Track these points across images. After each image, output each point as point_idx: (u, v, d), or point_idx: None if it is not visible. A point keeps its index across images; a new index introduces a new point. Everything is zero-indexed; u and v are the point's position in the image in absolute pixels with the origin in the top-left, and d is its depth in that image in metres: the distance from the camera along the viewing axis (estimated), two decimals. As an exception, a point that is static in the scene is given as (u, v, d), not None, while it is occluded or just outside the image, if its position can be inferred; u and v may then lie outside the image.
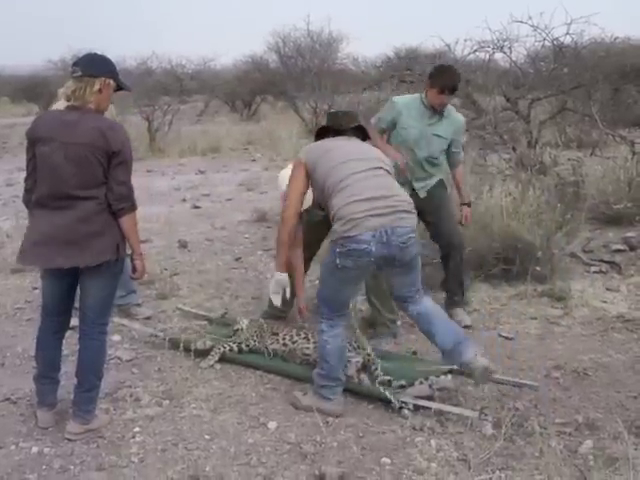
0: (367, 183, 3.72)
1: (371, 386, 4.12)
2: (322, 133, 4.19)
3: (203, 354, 4.63)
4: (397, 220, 3.63)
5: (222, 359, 4.59)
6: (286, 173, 4.78)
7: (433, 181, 5.27)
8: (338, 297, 3.85)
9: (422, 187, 5.22)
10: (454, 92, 5.09)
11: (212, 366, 4.55)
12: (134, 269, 3.73)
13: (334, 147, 3.94)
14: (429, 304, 3.95)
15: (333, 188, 3.74)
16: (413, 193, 5.05)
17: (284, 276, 4.12)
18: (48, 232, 3.51)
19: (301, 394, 4.03)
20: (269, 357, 4.59)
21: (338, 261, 3.66)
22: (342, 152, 3.89)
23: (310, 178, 3.94)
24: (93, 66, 3.55)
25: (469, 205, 5.50)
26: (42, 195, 3.53)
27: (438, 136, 5.15)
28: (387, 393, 3.97)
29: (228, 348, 4.62)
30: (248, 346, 4.66)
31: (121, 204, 3.52)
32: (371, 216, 3.58)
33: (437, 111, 5.12)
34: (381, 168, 3.86)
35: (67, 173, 3.44)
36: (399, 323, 5.18)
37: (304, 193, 4.01)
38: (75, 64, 3.56)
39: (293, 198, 3.98)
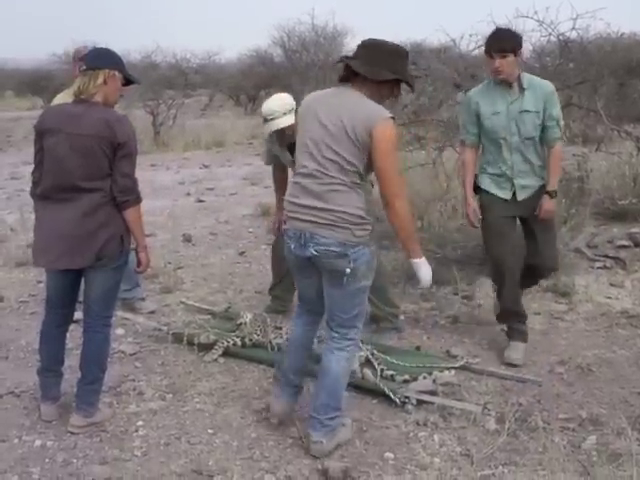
0: (306, 190, 3.32)
1: (374, 380, 4.11)
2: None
3: (206, 348, 4.63)
4: (319, 229, 3.27)
5: (225, 353, 4.59)
6: (273, 101, 4.87)
7: (536, 184, 4.47)
8: (298, 286, 3.73)
9: (523, 187, 4.44)
10: (504, 53, 4.25)
11: (215, 360, 4.55)
12: (139, 262, 3.74)
13: (311, 119, 3.33)
14: (338, 367, 3.47)
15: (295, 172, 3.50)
16: (513, 196, 4.45)
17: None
18: (53, 230, 3.52)
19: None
20: (272, 351, 4.59)
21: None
22: (309, 130, 3.33)
23: None
24: (97, 59, 3.57)
25: (551, 195, 4.42)
26: (47, 187, 3.54)
27: (527, 111, 4.34)
28: (388, 390, 3.96)
29: (232, 342, 4.62)
30: (251, 340, 4.66)
31: (126, 196, 3.52)
32: (298, 220, 3.35)
33: (513, 85, 4.36)
34: (327, 175, 3.27)
35: (73, 164, 3.45)
36: (402, 317, 5.18)
37: None
38: (81, 59, 3.58)
39: None
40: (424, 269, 3.39)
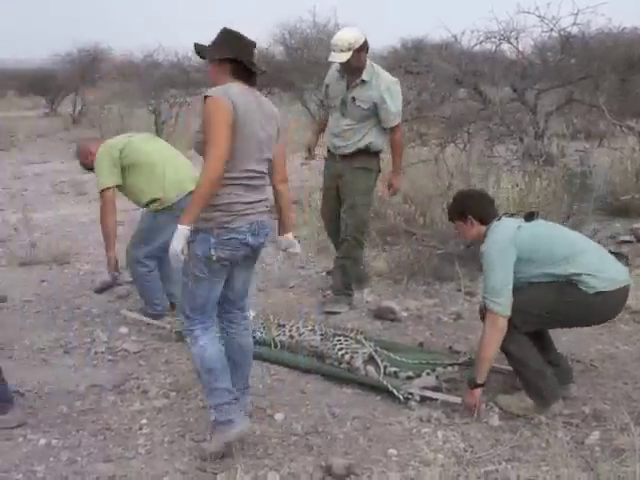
0: (249, 187, 3.40)
1: (378, 377, 4.11)
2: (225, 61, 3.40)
3: (210, 346, 4.63)
4: (263, 217, 3.48)
5: (229, 351, 4.59)
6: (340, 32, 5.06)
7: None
8: (213, 291, 3.45)
9: None
10: (452, 222, 4.14)
11: (219, 358, 4.56)
12: None
13: (254, 122, 3.37)
14: (251, 342, 3.79)
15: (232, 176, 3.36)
16: None
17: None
18: None
19: (206, 444, 3.50)
20: (275, 348, 4.60)
21: (213, 252, 3.33)
22: (255, 134, 3.38)
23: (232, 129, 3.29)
24: None
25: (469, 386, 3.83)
26: None
27: None
28: (391, 386, 3.97)
29: (235, 340, 4.62)
30: (254, 338, 4.66)
31: None
32: (250, 214, 3.40)
33: None
34: (264, 172, 3.49)
35: None
36: (405, 314, 5.19)
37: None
38: None
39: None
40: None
